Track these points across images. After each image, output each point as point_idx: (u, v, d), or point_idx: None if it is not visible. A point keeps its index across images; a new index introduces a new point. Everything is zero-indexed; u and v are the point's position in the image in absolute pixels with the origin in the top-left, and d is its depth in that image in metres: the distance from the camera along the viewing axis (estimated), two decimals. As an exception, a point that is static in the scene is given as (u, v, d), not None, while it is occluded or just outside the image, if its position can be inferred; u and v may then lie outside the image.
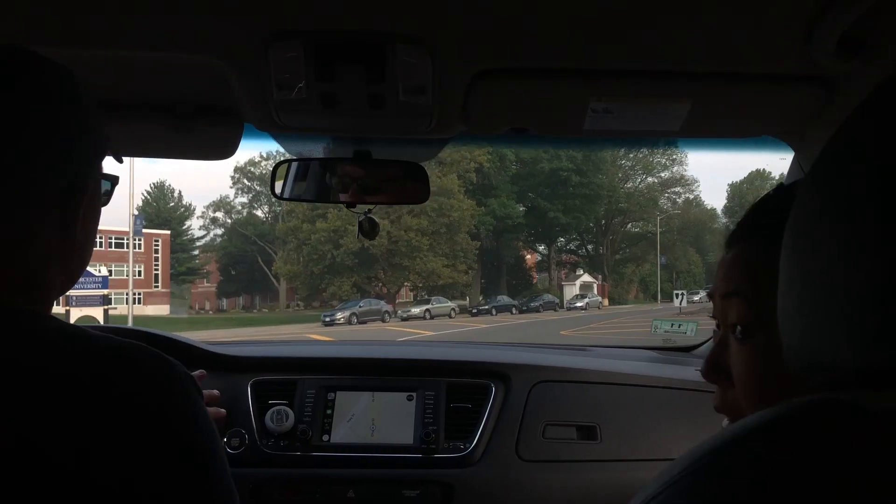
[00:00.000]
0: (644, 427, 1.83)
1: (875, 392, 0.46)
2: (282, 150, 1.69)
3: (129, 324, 15.25)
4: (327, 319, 31.98)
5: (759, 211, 0.82)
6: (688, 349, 2.35)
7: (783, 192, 0.81)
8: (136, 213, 33.36)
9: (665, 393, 1.90)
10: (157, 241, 47.75)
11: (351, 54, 1.16)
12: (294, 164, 1.62)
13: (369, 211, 1.67)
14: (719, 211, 57.07)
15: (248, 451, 1.75)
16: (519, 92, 1.29)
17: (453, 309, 36.18)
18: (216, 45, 1.16)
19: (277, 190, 1.63)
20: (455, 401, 1.82)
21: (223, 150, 1.56)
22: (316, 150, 1.70)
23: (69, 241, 0.85)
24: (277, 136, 1.58)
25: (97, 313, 18.89)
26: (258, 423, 1.78)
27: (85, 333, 0.78)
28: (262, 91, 1.26)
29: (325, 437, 1.78)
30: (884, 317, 0.44)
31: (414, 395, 1.83)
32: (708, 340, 2.24)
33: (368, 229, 1.68)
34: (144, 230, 39.99)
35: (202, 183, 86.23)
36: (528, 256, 54.39)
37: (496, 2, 1.04)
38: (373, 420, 1.80)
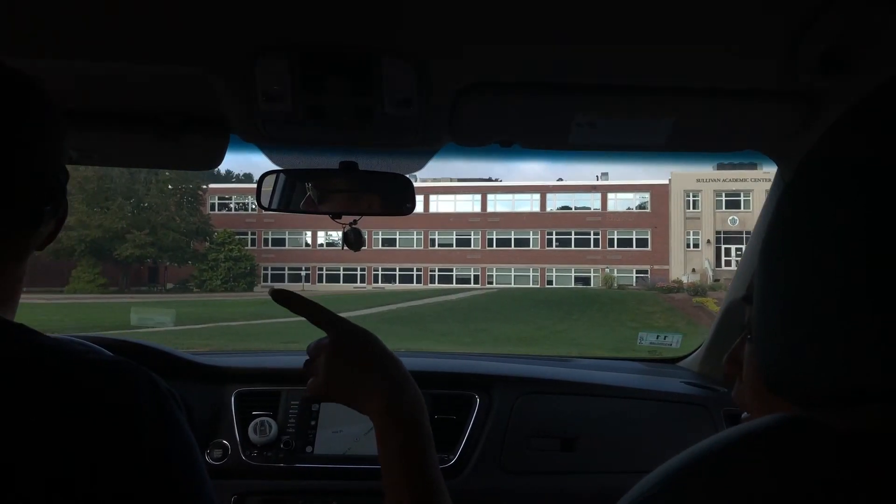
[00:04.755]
0: (628, 438, 1.83)
1: (843, 411, 0.47)
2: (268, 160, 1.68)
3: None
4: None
5: None
6: (673, 361, 2.36)
7: None
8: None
9: (649, 405, 1.90)
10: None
11: (337, 67, 1.16)
12: (280, 175, 1.62)
13: (355, 222, 1.66)
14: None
15: (231, 462, 1.74)
16: (505, 106, 1.30)
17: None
18: (203, 57, 1.15)
19: (264, 201, 1.62)
20: (439, 412, 1.81)
21: (209, 160, 1.56)
22: (302, 161, 1.70)
23: (34, 256, 0.86)
24: (264, 147, 1.58)
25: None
26: (241, 435, 1.77)
27: (69, 349, 0.77)
28: (249, 103, 1.26)
29: (309, 449, 1.78)
30: (851, 338, 0.45)
31: None
32: (693, 352, 2.25)
33: (354, 240, 1.68)
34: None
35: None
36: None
37: (482, 17, 1.04)
38: (356, 431, 1.79)
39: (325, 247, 42.92)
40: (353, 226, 1.67)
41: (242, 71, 1.16)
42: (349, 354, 0.96)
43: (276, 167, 1.66)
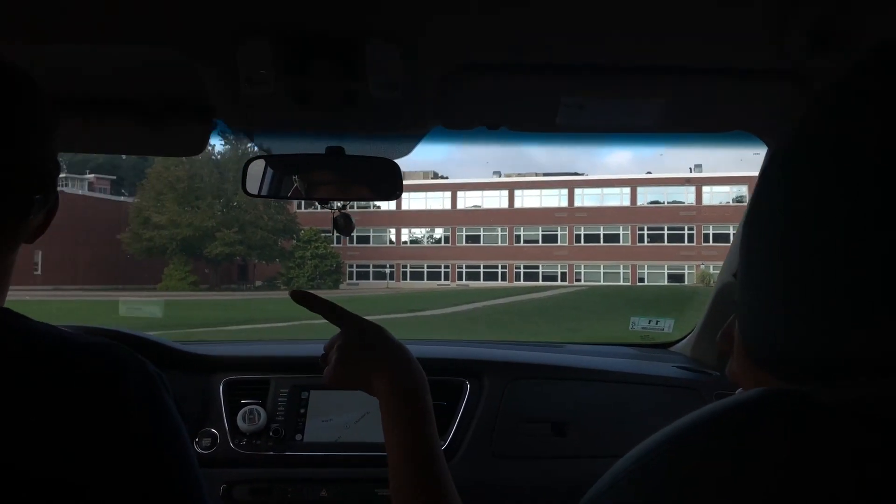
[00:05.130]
0: (619, 423, 1.83)
1: (829, 384, 0.47)
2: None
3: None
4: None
5: None
6: (665, 346, 2.35)
7: None
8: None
9: (641, 389, 1.91)
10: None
11: (322, 50, 1.15)
12: (266, 161, 1.61)
13: (344, 207, 1.66)
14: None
15: (220, 451, 1.74)
16: (491, 88, 1.29)
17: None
18: (184, 39, 1.14)
19: (250, 188, 1.62)
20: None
21: (193, 146, 1.56)
22: (288, 146, 1.70)
23: (25, 245, 0.86)
24: (249, 132, 1.58)
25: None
26: (230, 423, 1.77)
27: (57, 332, 0.78)
28: (233, 87, 1.25)
29: (298, 437, 1.77)
30: (837, 311, 0.45)
31: None
32: (685, 337, 2.25)
33: (343, 226, 1.68)
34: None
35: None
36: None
37: None
38: (346, 419, 1.79)
39: (408, 244, 43.01)
40: (343, 211, 1.67)
41: (225, 54, 1.15)
42: (359, 342, 1.05)
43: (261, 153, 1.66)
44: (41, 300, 27.63)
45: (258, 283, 41.35)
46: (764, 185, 0.53)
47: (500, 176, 44.95)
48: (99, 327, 1.85)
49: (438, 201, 43.17)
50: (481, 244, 42.19)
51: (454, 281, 41.33)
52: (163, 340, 1.93)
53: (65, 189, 41.66)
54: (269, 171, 1.62)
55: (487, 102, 1.36)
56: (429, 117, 1.42)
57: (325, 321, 1.07)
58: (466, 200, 42.98)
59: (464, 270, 41.76)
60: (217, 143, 41.88)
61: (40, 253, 37.57)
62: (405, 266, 42.45)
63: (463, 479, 1.72)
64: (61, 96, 1.34)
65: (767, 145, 1.58)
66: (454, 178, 45.71)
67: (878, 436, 0.43)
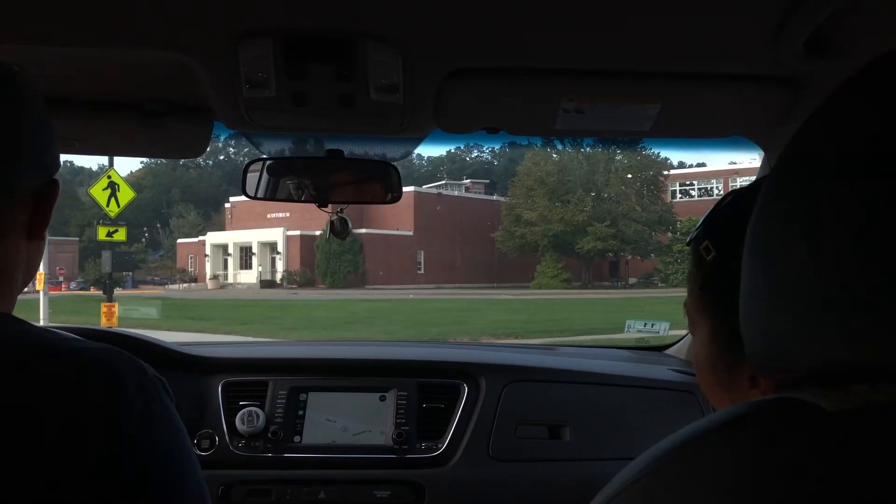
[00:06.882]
0: (615, 425, 1.83)
1: (830, 391, 0.47)
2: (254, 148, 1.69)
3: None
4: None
5: (713, 214, 0.85)
6: (660, 348, 2.36)
7: (734, 199, 0.84)
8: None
9: (636, 392, 1.91)
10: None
11: (321, 53, 1.16)
12: (265, 163, 1.61)
13: (341, 210, 1.67)
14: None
15: (219, 452, 1.74)
16: (490, 92, 1.30)
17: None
18: (185, 43, 1.15)
19: (249, 189, 1.62)
20: (427, 401, 1.82)
21: (193, 147, 1.55)
22: (288, 148, 1.70)
23: (35, 241, 0.84)
24: (248, 134, 1.58)
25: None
26: (229, 425, 1.77)
27: (56, 337, 0.77)
28: (232, 89, 1.26)
29: (297, 439, 1.77)
30: (840, 318, 0.45)
31: (386, 395, 1.82)
32: (681, 339, 2.25)
33: (340, 229, 1.68)
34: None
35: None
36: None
37: (467, 2, 1.04)
38: (345, 421, 1.79)
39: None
40: (340, 214, 1.67)
41: (225, 57, 1.15)
42: None
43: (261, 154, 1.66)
44: (423, 298, 27.77)
45: (632, 280, 39.44)
46: (767, 195, 0.53)
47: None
48: (98, 328, 1.82)
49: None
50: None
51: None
52: (160, 342, 1.92)
53: (443, 192, 43.08)
54: (269, 172, 1.62)
55: (485, 106, 1.36)
56: (427, 120, 1.42)
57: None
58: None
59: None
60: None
61: (422, 253, 38.69)
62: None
63: (460, 482, 1.75)
64: (64, 98, 1.34)
65: (764, 150, 1.59)
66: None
67: (877, 444, 0.43)
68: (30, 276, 0.88)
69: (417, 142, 1.64)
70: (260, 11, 1.07)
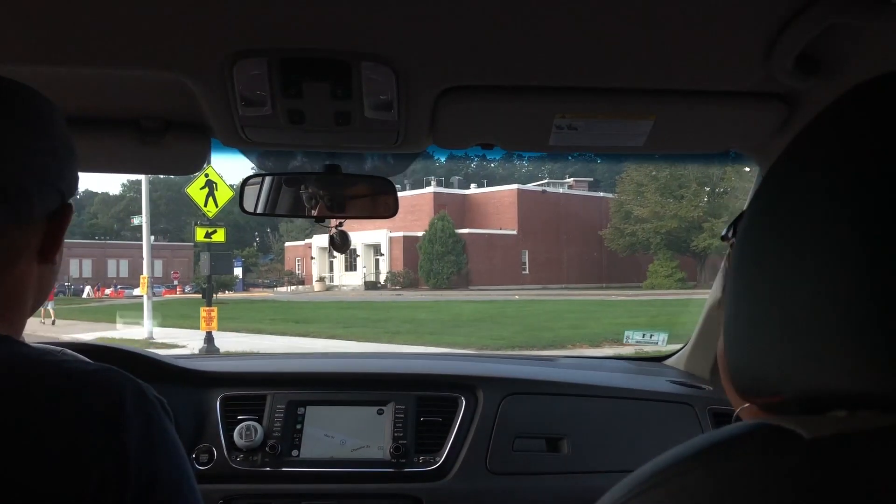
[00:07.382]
0: (614, 438, 1.83)
1: (810, 417, 0.47)
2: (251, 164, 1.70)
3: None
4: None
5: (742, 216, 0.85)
6: (659, 359, 2.35)
7: None
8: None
9: (635, 404, 1.91)
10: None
11: (316, 72, 1.16)
12: (263, 180, 1.62)
13: (340, 225, 1.68)
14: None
15: (217, 466, 1.75)
16: (484, 109, 1.30)
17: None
18: (181, 62, 1.16)
19: (247, 206, 1.63)
20: (425, 414, 1.82)
21: (190, 165, 1.56)
22: (285, 164, 1.71)
23: (47, 265, 0.85)
24: (246, 150, 1.59)
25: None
26: (227, 439, 1.78)
27: (56, 359, 0.77)
28: (228, 107, 1.27)
29: (295, 453, 1.78)
30: (818, 343, 0.45)
31: (384, 409, 1.83)
32: (678, 350, 2.25)
33: (340, 243, 1.70)
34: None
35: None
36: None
37: (460, 22, 1.04)
38: (342, 435, 1.80)
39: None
40: (339, 228, 1.68)
41: (221, 76, 1.17)
42: None
43: (258, 171, 1.67)
44: (529, 300, 27.25)
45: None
46: (754, 212, 0.53)
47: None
48: (94, 344, 1.87)
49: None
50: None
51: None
52: (159, 356, 1.94)
53: (547, 189, 42.38)
54: (267, 189, 1.63)
55: (479, 123, 1.36)
56: (423, 137, 1.42)
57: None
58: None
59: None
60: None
61: (526, 252, 37.94)
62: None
63: (458, 495, 1.75)
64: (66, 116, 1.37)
65: (758, 164, 1.59)
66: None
67: (856, 470, 0.43)
68: (42, 298, 0.88)
69: (414, 157, 1.66)
70: (254, 33, 1.07)
